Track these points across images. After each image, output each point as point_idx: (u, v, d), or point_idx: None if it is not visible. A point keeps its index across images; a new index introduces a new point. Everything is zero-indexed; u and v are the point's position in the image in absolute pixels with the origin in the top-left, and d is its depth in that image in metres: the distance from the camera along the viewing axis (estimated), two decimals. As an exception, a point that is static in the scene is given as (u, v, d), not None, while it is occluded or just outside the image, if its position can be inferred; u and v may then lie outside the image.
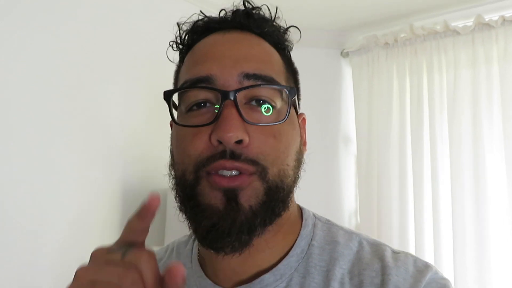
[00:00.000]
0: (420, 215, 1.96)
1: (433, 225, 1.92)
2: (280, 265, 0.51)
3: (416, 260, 0.51)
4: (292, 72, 0.57)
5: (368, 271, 0.50)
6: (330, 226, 0.56)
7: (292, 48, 0.58)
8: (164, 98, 0.51)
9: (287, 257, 0.52)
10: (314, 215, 0.58)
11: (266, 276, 0.51)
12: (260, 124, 0.48)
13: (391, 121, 2.10)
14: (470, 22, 1.93)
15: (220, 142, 0.46)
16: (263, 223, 0.47)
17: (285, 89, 0.50)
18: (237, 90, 0.47)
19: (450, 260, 1.86)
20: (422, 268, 0.50)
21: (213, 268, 0.53)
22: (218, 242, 0.46)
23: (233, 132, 0.45)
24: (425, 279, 0.48)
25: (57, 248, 1.36)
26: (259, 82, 0.49)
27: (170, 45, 0.57)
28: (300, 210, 0.57)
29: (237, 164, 0.46)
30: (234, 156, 0.46)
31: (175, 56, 0.58)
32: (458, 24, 1.97)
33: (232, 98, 0.47)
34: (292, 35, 0.58)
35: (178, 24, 0.57)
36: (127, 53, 1.62)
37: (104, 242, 1.54)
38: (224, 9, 0.56)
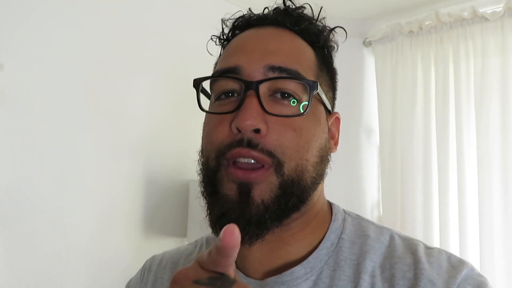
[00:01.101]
0: (445, 208, 1.91)
1: (459, 219, 1.87)
2: (310, 258, 0.51)
3: (450, 256, 0.50)
4: (327, 70, 0.57)
5: (400, 265, 0.49)
6: (360, 221, 0.56)
7: (335, 48, 0.59)
8: (194, 86, 0.53)
9: (317, 250, 0.52)
10: (344, 210, 0.58)
11: (297, 269, 0.51)
12: (280, 116, 0.48)
13: (415, 112, 2.05)
14: (499, 8, 1.86)
15: (239, 131, 0.47)
16: (275, 217, 0.47)
17: (307, 83, 0.49)
18: (260, 81, 0.48)
19: (477, 255, 1.81)
20: (456, 264, 0.49)
21: (241, 260, 0.53)
22: None
23: (250, 120, 0.46)
24: (460, 275, 0.47)
25: (84, 239, 1.39)
26: (283, 75, 0.49)
27: (212, 39, 0.60)
28: (330, 205, 0.58)
29: (253, 153, 0.47)
30: (251, 145, 0.47)
31: (213, 50, 0.61)
32: (487, 10, 1.90)
33: (254, 89, 0.48)
34: (339, 36, 0.60)
35: (222, 20, 0.59)
36: (153, 48, 1.63)
37: (129, 233, 1.54)
38: (267, 7, 0.57)
